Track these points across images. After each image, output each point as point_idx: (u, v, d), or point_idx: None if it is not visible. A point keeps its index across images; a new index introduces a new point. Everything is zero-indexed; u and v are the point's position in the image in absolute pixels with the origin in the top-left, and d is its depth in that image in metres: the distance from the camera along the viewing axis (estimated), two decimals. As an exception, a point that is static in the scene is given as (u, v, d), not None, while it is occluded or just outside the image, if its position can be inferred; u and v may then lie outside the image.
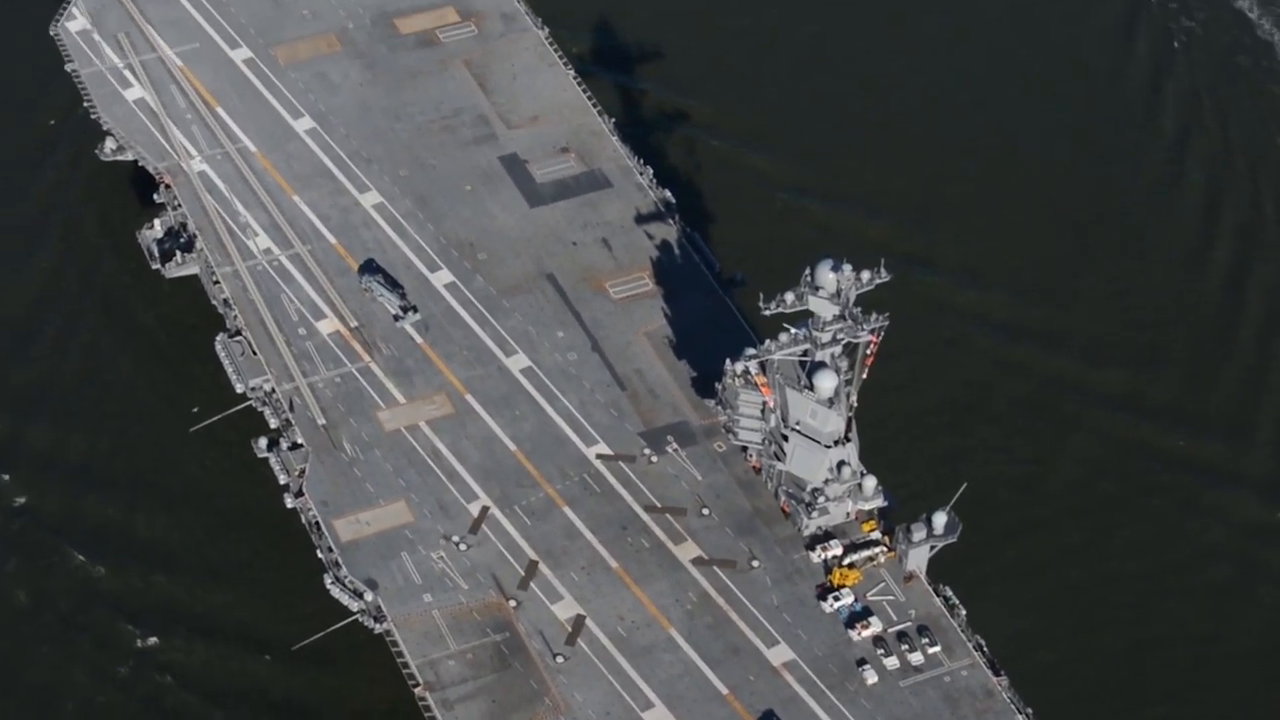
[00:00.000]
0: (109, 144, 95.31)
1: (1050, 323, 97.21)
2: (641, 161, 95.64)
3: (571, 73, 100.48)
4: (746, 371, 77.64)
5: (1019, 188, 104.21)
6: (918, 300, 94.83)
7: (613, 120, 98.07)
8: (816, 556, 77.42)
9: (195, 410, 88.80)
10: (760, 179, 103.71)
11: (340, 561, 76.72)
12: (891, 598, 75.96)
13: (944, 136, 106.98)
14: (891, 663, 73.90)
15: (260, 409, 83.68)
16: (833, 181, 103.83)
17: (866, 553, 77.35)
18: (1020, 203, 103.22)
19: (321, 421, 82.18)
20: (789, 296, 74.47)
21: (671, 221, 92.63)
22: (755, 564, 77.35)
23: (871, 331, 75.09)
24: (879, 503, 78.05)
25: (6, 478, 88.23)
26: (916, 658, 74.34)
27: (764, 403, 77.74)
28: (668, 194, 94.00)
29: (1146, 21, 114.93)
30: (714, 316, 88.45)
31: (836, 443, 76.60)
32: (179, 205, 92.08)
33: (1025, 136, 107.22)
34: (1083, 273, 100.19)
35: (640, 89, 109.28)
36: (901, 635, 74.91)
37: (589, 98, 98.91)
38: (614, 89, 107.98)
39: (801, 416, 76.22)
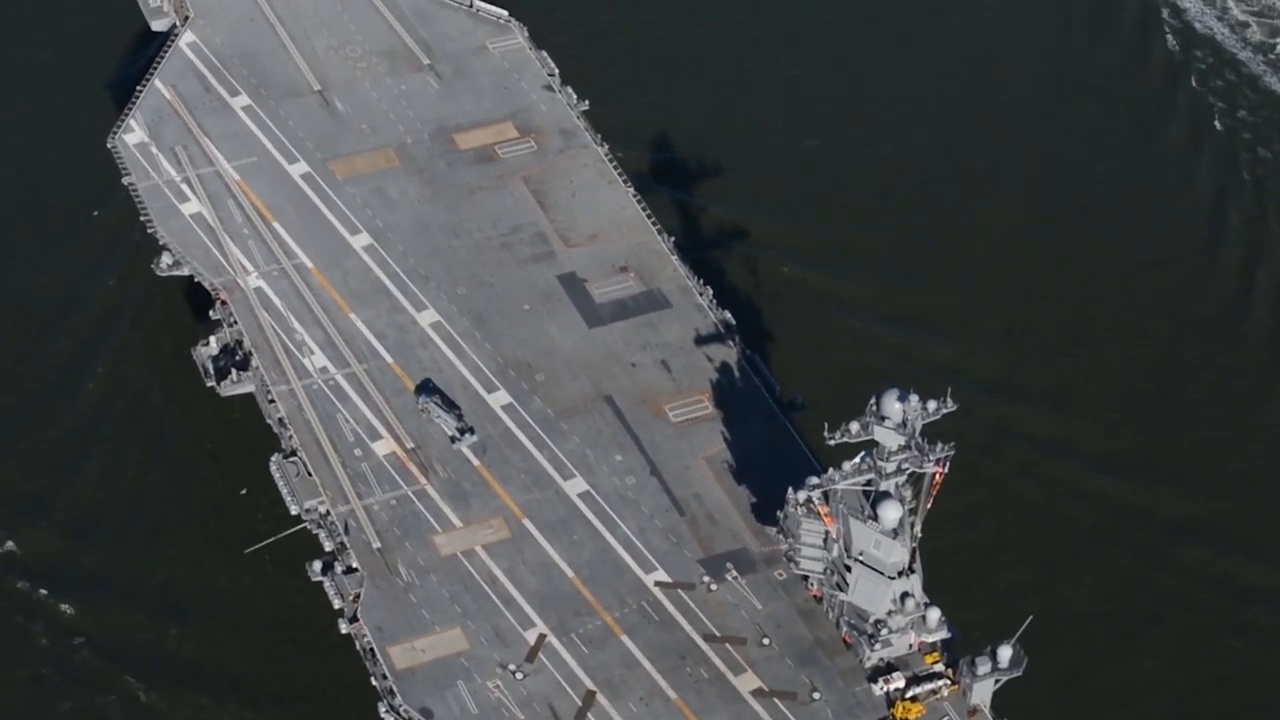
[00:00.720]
0: (165, 259, 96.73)
1: (1122, 452, 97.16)
2: (701, 281, 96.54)
3: (631, 190, 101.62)
4: (809, 500, 78.04)
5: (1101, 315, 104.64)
6: (985, 426, 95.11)
7: (672, 239, 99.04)
8: (879, 689, 77.52)
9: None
10: (821, 299, 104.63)
11: (395, 689, 77.20)
12: (956, 733, 76.07)
13: (1018, 259, 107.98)
14: (955, 799, 73.89)
15: (315, 531, 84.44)
16: (897, 301, 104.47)
17: (930, 686, 77.40)
18: (1100, 329, 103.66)
19: (377, 545, 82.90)
20: (854, 426, 75.01)
21: (731, 343, 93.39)
22: (816, 696, 77.52)
23: (937, 461, 75.47)
24: (943, 635, 78.19)
25: (66, 608, 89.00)
26: (981, 795, 74.29)
27: (827, 532, 78.16)
28: (728, 315, 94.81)
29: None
30: (774, 440, 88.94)
31: (900, 574, 76.85)
32: (235, 322, 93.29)
33: (1116, 267, 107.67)
34: (1163, 402, 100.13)
35: (699, 206, 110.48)
36: (966, 772, 74.94)
37: (649, 216, 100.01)
38: (673, 206, 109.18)
39: (865, 547, 76.58)
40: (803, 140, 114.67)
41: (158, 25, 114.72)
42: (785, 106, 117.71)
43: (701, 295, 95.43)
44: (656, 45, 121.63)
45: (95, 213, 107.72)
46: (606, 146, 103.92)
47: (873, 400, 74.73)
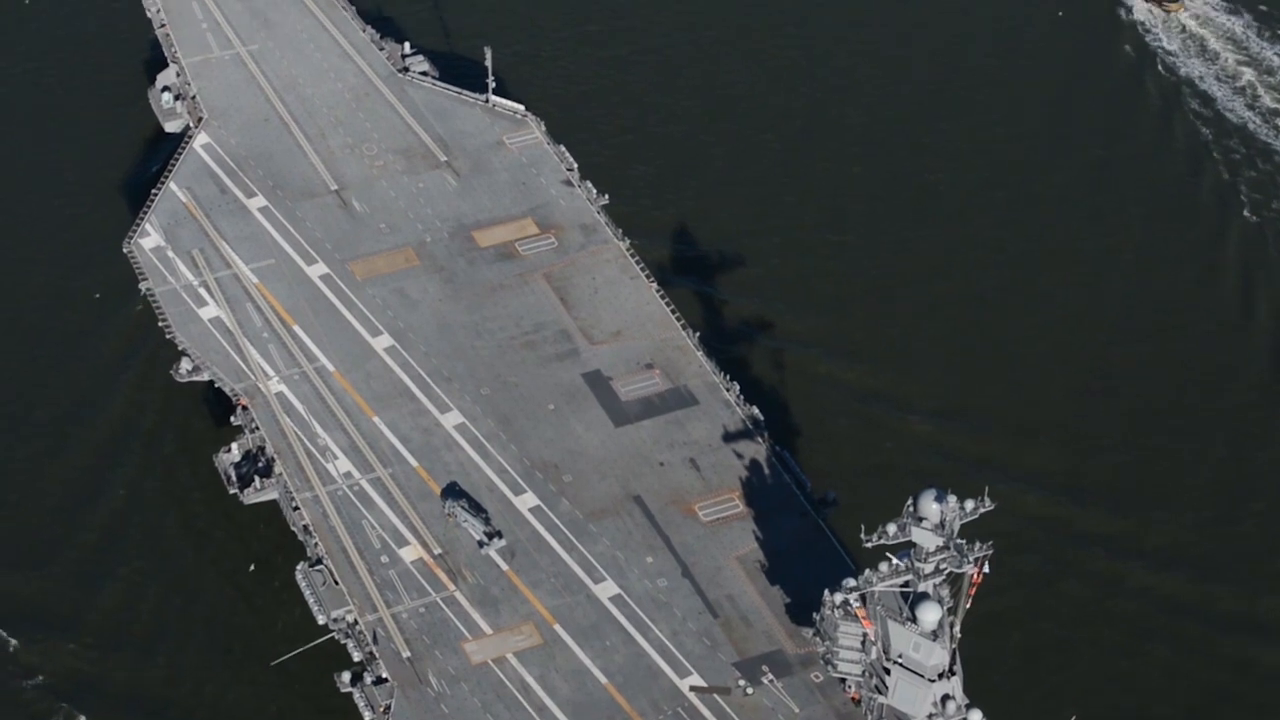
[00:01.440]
0: (185, 364, 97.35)
1: (1174, 547, 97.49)
2: (728, 377, 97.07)
3: (654, 285, 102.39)
4: (846, 603, 78.22)
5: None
6: (1024, 520, 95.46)
7: (697, 334, 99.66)
8: (921, 794, 77.48)
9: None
10: (850, 392, 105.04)
11: (429, 803, 77.27)
12: (1002, 839, 75.97)
13: (1052, 352, 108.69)
14: None
15: (343, 641, 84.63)
16: (926, 394, 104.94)
17: (973, 790, 77.30)
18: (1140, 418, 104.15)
19: (406, 654, 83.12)
20: (891, 529, 75.37)
21: (760, 439, 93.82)
22: (858, 803, 77.52)
23: (976, 561, 75.75)
24: (986, 738, 78.19)
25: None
26: None
27: (864, 634, 78.31)
28: (755, 411, 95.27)
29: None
30: (807, 538, 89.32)
31: (940, 676, 76.91)
32: (256, 428, 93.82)
33: (1151, 359, 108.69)
34: (1217, 496, 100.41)
35: (722, 299, 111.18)
36: None
37: (672, 311, 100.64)
38: (696, 299, 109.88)
39: (904, 649, 76.74)
40: (825, 233, 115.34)
41: (171, 126, 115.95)
42: (806, 198, 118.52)
43: (728, 391, 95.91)
44: (674, 139, 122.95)
45: (97, 295, 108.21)
46: (628, 241, 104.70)
47: (910, 501, 75.08)
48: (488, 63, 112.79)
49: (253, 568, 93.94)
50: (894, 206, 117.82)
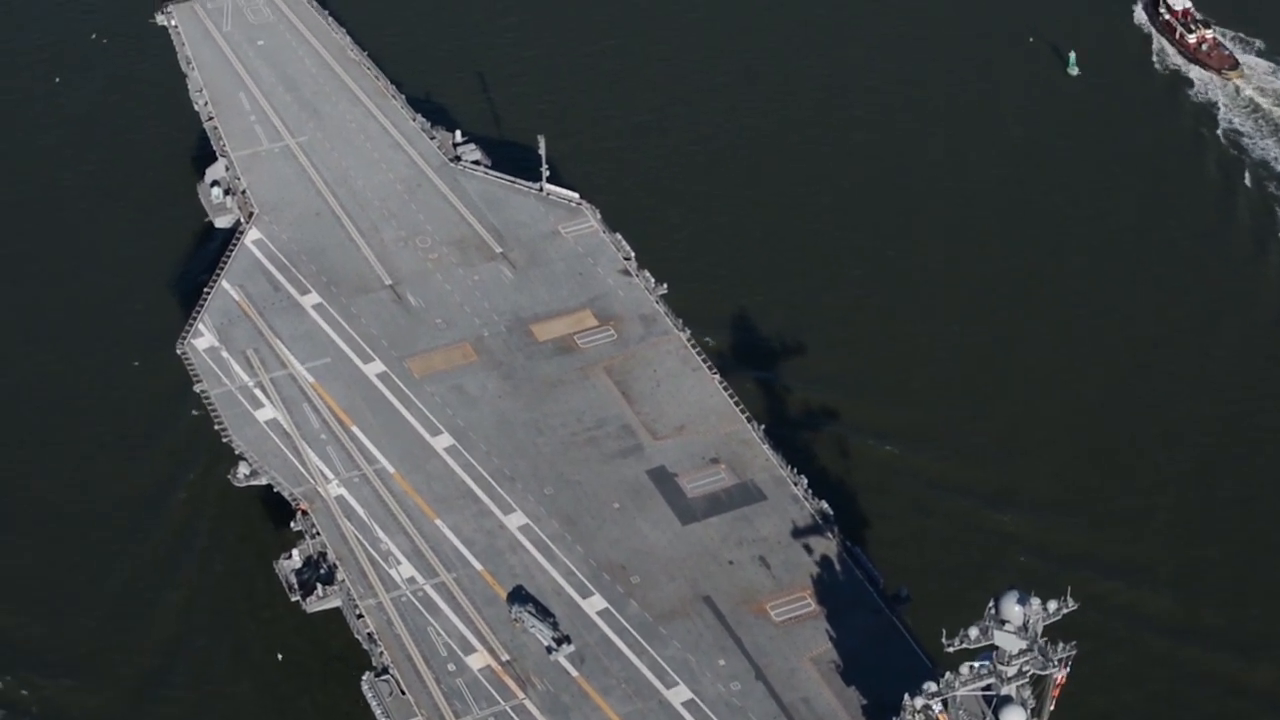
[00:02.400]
0: (242, 469, 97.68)
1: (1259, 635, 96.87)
2: (795, 470, 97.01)
3: (716, 377, 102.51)
4: (927, 708, 77.88)
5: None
6: (1104, 612, 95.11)
7: (762, 427, 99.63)
8: None
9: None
10: (919, 481, 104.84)
11: None
12: None
13: (1119, 437, 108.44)
14: None
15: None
16: (997, 482, 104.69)
17: None
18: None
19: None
20: (973, 632, 75.13)
21: (830, 535, 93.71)
22: None
23: (1060, 662, 75.42)
24: (1074, 843, 77.69)
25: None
26: None
27: (947, 739, 77.93)
28: (824, 505, 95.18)
29: None
30: (881, 636, 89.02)
31: (1026, 780, 76.54)
32: (317, 533, 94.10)
33: (1218, 445, 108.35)
34: None
35: (784, 386, 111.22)
36: None
37: (736, 403, 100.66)
38: (758, 388, 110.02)
39: (988, 754, 76.36)
40: (888, 318, 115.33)
41: (221, 222, 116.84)
42: (867, 285, 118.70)
43: (796, 485, 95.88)
44: (729, 225, 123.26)
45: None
46: (688, 332, 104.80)
47: (991, 604, 74.91)
48: (541, 151, 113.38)
49: (280, 657, 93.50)
50: (960, 290, 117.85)
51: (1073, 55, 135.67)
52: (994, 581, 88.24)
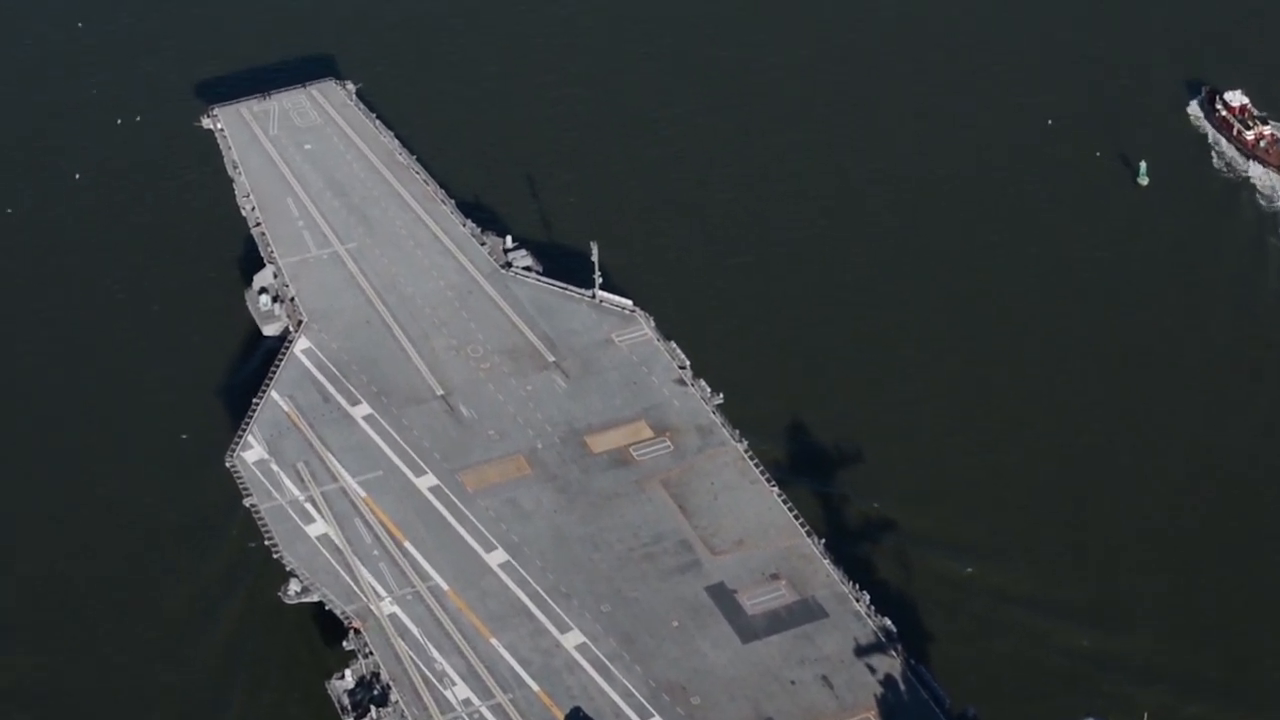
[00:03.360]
0: (293, 586, 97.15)
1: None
2: (856, 586, 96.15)
3: (775, 489, 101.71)
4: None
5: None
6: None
7: (823, 541, 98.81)
8: None
9: None
10: (984, 595, 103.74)
11: None
12: None
13: (1186, 539, 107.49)
14: None
15: None
16: (1063, 594, 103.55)
17: None
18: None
19: None
20: (1049, 759, 74.12)
21: (894, 653, 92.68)
22: None
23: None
24: None
25: None
26: None
27: None
28: (887, 622, 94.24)
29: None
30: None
31: None
32: (370, 653, 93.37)
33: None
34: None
35: (842, 496, 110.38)
36: None
37: (796, 516, 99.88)
38: (815, 498, 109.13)
39: None
40: (948, 428, 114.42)
41: (269, 330, 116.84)
42: (922, 390, 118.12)
43: (858, 601, 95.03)
44: (783, 331, 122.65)
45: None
46: (745, 443, 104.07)
47: (1067, 730, 73.88)
48: (594, 258, 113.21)
49: None
50: (1022, 402, 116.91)
51: (1143, 165, 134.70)
52: (1067, 703, 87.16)
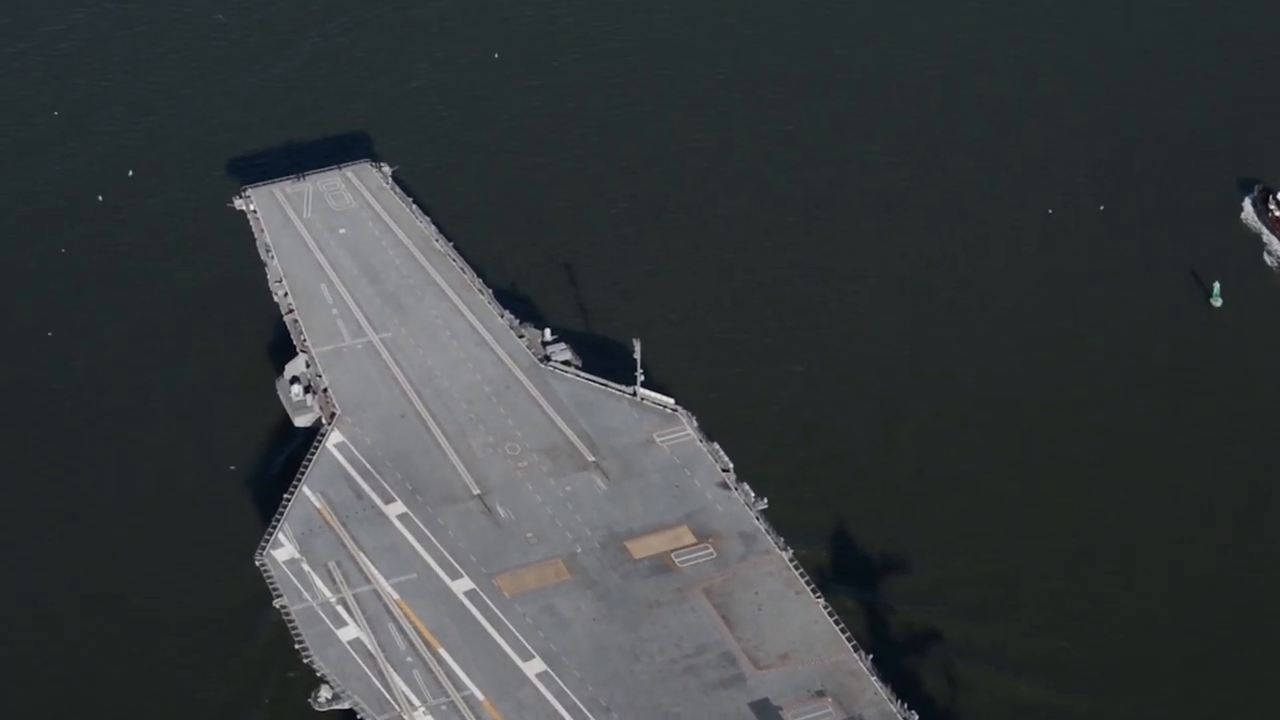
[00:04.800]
0: (324, 693, 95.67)
1: None
2: (905, 705, 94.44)
3: (821, 601, 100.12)
4: None
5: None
6: None
7: (870, 657, 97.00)
8: None
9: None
10: (1038, 713, 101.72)
11: None
12: None
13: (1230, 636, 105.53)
14: None
15: None
16: (1126, 712, 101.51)
17: None
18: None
19: None
20: None
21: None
22: None
23: None
24: None
25: None
26: None
27: None
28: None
29: None
30: None
31: None
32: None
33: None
34: None
35: (887, 605, 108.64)
36: None
37: (842, 630, 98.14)
38: (860, 607, 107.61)
39: None
40: (997, 538, 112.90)
41: (301, 421, 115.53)
42: (970, 497, 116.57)
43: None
44: (828, 433, 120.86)
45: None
46: (790, 551, 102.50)
47: None
48: (636, 355, 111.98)
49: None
50: (1074, 511, 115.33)
51: (1216, 286, 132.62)
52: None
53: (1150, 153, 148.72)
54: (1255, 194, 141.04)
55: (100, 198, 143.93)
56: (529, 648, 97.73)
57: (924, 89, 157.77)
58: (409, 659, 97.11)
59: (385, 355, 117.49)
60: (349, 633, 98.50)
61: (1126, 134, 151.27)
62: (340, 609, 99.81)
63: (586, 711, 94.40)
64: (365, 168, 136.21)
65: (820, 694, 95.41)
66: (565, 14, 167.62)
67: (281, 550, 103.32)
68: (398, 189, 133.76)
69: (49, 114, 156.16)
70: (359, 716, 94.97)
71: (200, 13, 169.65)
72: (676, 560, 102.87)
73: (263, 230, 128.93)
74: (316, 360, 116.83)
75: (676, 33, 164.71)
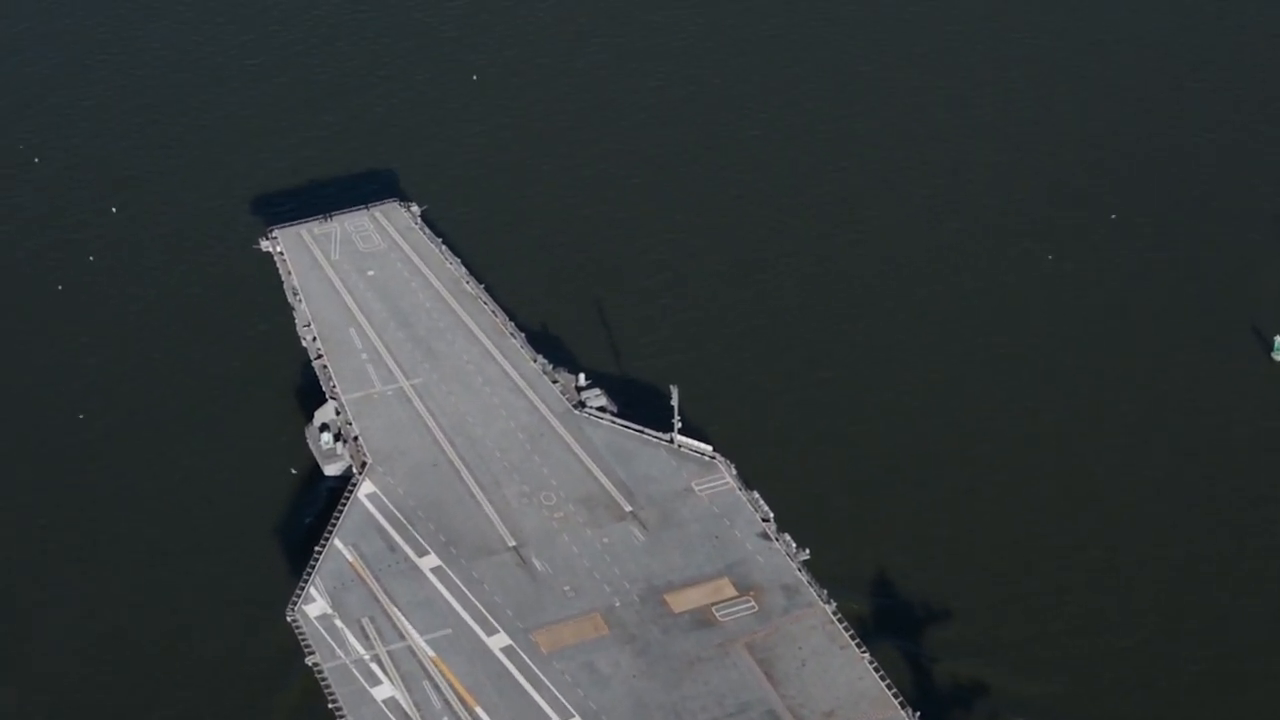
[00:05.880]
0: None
1: None
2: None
3: (866, 656, 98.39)
4: None
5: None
6: None
7: (918, 714, 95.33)
8: None
9: None
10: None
11: None
12: None
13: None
14: None
15: None
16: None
17: None
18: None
19: None
20: None
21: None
22: None
23: None
24: None
25: None
26: None
27: None
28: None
29: None
30: None
31: None
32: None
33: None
34: None
35: (931, 658, 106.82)
36: None
37: (888, 686, 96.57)
38: (903, 660, 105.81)
39: None
40: (1044, 589, 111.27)
41: (331, 469, 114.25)
42: (1007, 543, 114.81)
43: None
44: (865, 480, 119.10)
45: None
46: (834, 604, 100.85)
47: None
48: (674, 402, 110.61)
49: None
50: (1118, 562, 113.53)
51: (1278, 339, 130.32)
52: None
53: (1213, 204, 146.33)
54: None
55: (114, 209, 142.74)
56: (568, 706, 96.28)
57: (978, 141, 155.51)
58: (445, 718, 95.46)
59: (416, 402, 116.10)
60: (383, 691, 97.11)
61: (1186, 188, 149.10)
62: (374, 666, 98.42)
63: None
64: (394, 207, 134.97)
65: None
66: (597, 55, 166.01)
67: (313, 605, 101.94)
68: (427, 229, 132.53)
69: (60, 154, 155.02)
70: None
71: (221, 50, 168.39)
72: (717, 614, 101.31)
73: (290, 273, 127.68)
74: (346, 407, 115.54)
75: (714, 77, 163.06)
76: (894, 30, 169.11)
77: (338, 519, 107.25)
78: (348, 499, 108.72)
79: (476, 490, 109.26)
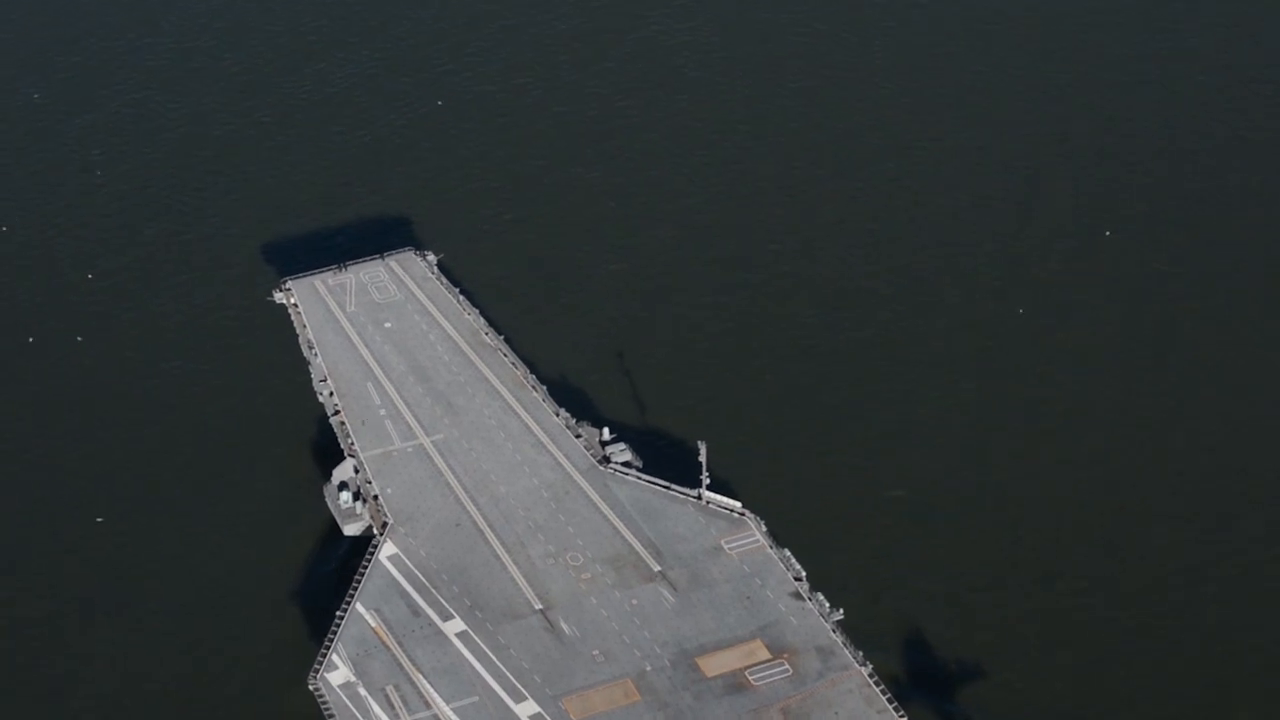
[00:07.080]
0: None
1: None
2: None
3: (904, 719, 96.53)
4: None
5: None
6: None
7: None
8: None
9: None
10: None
11: None
12: None
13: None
14: None
15: None
16: None
17: None
18: None
19: None
20: None
21: None
22: None
23: None
24: None
25: None
26: None
27: None
28: None
29: None
30: None
31: None
32: None
33: None
34: None
35: (966, 716, 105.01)
36: None
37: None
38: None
39: None
40: (1078, 643, 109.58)
41: (351, 529, 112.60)
42: (1041, 600, 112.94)
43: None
44: (887, 534, 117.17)
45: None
46: (870, 666, 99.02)
47: None
48: (703, 457, 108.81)
49: None
50: (1152, 615, 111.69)
51: None
52: None
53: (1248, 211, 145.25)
54: None
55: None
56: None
57: (1017, 167, 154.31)
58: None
59: (437, 459, 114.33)
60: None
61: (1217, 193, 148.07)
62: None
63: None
64: (409, 256, 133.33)
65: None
66: (618, 103, 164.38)
67: (336, 673, 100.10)
68: (443, 278, 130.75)
69: (67, 198, 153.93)
70: None
71: (231, 100, 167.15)
72: (751, 678, 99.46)
73: (305, 326, 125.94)
74: (365, 465, 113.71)
75: (742, 123, 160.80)
76: (921, 40, 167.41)
77: (359, 583, 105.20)
78: (369, 561, 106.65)
79: (501, 551, 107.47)
